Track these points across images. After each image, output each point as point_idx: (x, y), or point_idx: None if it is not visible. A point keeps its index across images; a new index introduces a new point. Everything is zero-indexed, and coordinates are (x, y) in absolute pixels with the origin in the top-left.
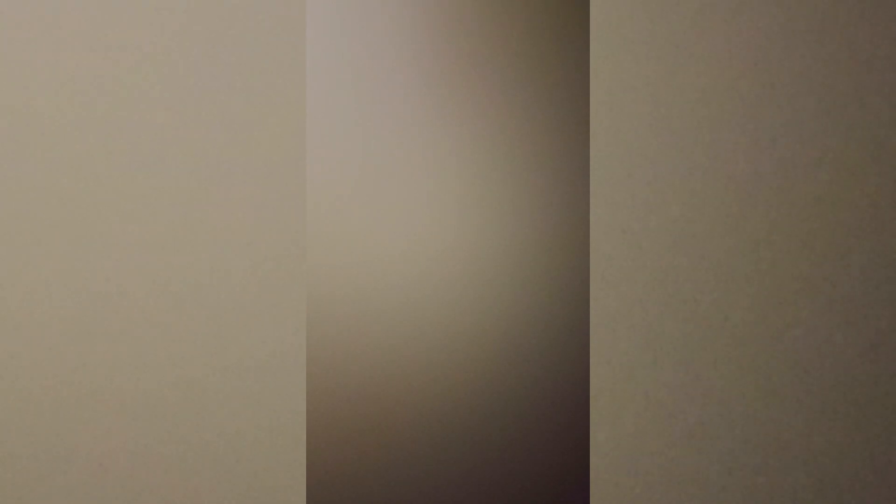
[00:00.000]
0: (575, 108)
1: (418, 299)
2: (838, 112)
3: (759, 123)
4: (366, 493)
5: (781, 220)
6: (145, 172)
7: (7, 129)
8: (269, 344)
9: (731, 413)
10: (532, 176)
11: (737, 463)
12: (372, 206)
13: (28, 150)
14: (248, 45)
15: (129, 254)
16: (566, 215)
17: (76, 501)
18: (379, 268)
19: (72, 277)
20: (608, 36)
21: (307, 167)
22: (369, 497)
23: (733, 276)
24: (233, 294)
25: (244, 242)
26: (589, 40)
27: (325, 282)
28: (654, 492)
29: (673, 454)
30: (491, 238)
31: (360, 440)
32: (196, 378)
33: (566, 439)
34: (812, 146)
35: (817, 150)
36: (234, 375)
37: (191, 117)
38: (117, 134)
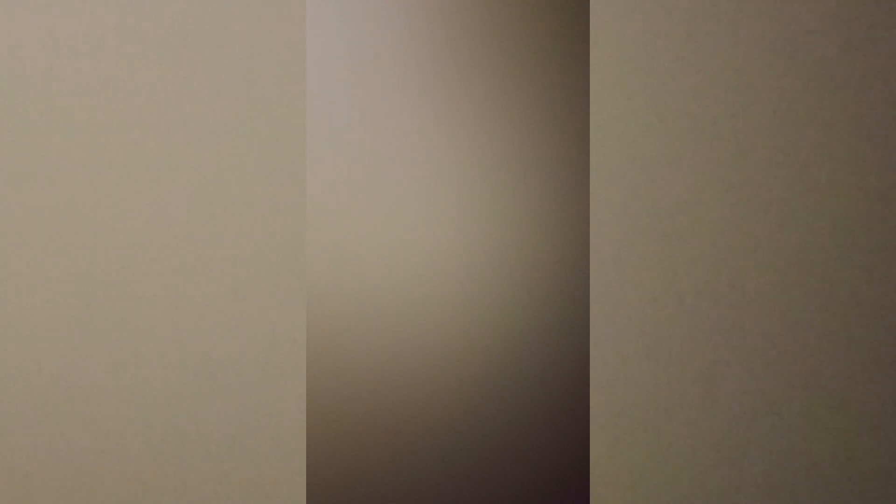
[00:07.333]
0: (575, 108)
1: (418, 299)
2: (839, 111)
3: (759, 123)
4: (366, 493)
5: (782, 220)
6: (145, 172)
7: (5, 129)
8: (269, 344)
9: (731, 413)
10: (532, 176)
11: (737, 463)
12: (372, 206)
13: (27, 151)
14: (248, 44)
15: (129, 254)
16: (566, 215)
17: (76, 501)
18: (379, 268)
19: (71, 278)
20: (608, 36)
21: (307, 167)
22: (369, 497)
23: (733, 276)
24: (233, 294)
25: (244, 242)
26: (589, 40)
27: (325, 282)
28: (654, 492)
29: (673, 454)
30: (491, 238)
31: (360, 440)
32: (196, 378)
33: (566, 439)
34: (813, 145)
35: (818, 149)
36: (234, 375)
37: (190, 117)
38: (116, 134)
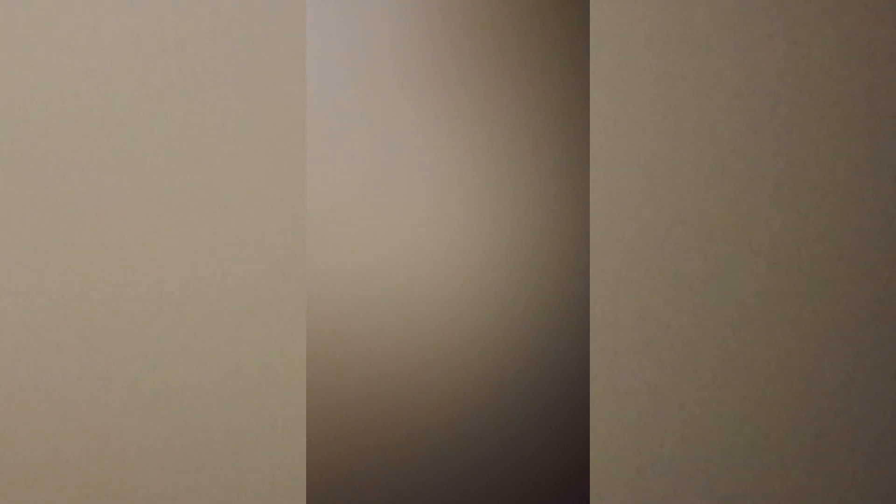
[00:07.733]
0: (575, 107)
1: (418, 299)
2: (839, 111)
3: (759, 123)
4: (366, 493)
5: (782, 220)
6: (144, 173)
7: (5, 129)
8: (269, 344)
9: (731, 413)
10: (532, 176)
11: (737, 463)
12: (372, 206)
13: (27, 151)
14: (249, 45)
15: (130, 254)
16: (566, 215)
17: (76, 501)
18: (379, 268)
19: (71, 278)
20: (608, 36)
21: (307, 167)
22: (369, 497)
23: (733, 276)
24: (233, 294)
25: (245, 242)
26: (589, 40)
27: (325, 282)
28: (654, 491)
29: (673, 454)
30: (491, 238)
31: (360, 440)
32: (196, 378)
33: (566, 439)
34: (813, 145)
35: (818, 149)
36: (235, 375)
37: (190, 118)
38: (116, 135)
